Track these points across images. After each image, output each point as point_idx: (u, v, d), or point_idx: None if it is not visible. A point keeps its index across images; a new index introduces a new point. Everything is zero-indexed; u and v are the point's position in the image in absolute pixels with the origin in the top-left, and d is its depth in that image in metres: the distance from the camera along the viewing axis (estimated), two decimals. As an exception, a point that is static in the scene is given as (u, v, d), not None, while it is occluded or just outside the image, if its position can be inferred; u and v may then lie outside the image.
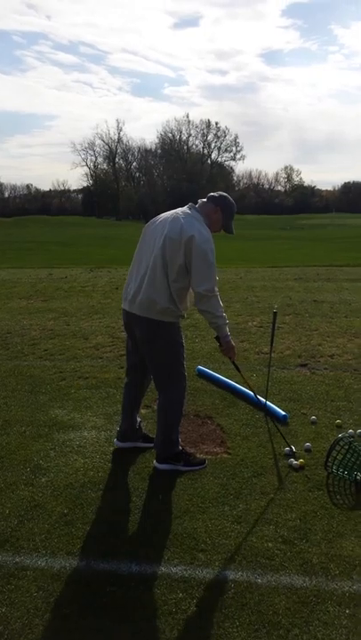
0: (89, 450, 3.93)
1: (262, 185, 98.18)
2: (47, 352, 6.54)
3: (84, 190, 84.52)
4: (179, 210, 3.50)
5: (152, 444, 3.88)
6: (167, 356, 3.55)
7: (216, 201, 3.50)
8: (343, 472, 3.48)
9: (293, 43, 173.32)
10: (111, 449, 3.93)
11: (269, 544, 2.85)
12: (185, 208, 3.51)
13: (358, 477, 3.43)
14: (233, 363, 3.78)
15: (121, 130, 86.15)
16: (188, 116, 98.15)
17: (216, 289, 3.37)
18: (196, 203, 3.55)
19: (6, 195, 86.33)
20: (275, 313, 4.64)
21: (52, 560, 2.75)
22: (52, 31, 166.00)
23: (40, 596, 2.50)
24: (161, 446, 3.67)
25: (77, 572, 2.66)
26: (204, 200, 3.54)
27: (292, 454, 3.80)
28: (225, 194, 3.58)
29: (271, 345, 4.68)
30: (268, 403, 4.57)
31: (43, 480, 3.51)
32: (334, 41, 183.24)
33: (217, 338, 3.57)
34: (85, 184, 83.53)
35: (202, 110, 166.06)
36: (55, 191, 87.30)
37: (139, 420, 3.96)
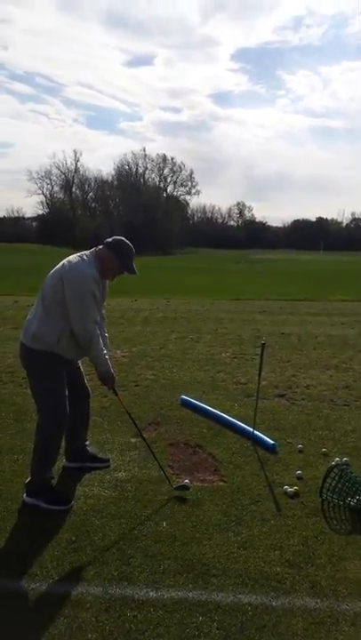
0: (86, 477, 3.94)
1: (216, 219, 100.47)
2: (26, 380, 6.46)
3: (39, 218, 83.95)
4: (82, 252, 3.61)
5: (102, 464, 4.09)
6: (37, 385, 3.67)
7: (109, 245, 3.60)
8: (336, 499, 3.62)
9: (242, 85, 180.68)
10: (107, 477, 3.96)
11: (277, 568, 2.95)
12: (86, 251, 3.62)
13: (352, 503, 3.58)
14: (113, 390, 3.78)
15: (78, 160, 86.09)
16: (144, 150, 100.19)
17: (93, 330, 3.47)
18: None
19: None
20: (263, 344, 4.80)
21: (68, 586, 2.75)
22: (9, 61, 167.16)
23: (62, 622, 2.50)
24: (31, 477, 3.63)
25: (95, 597, 2.67)
26: (101, 246, 3.63)
27: None
28: (121, 238, 3.66)
29: (259, 376, 4.84)
30: (256, 432, 4.70)
31: (45, 507, 3.50)
32: (282, 86, 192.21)
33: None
34: (41, 212, 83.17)
35: (156, 145, 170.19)
36: (10, 218, 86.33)
37: (87, 442, 4.15)
